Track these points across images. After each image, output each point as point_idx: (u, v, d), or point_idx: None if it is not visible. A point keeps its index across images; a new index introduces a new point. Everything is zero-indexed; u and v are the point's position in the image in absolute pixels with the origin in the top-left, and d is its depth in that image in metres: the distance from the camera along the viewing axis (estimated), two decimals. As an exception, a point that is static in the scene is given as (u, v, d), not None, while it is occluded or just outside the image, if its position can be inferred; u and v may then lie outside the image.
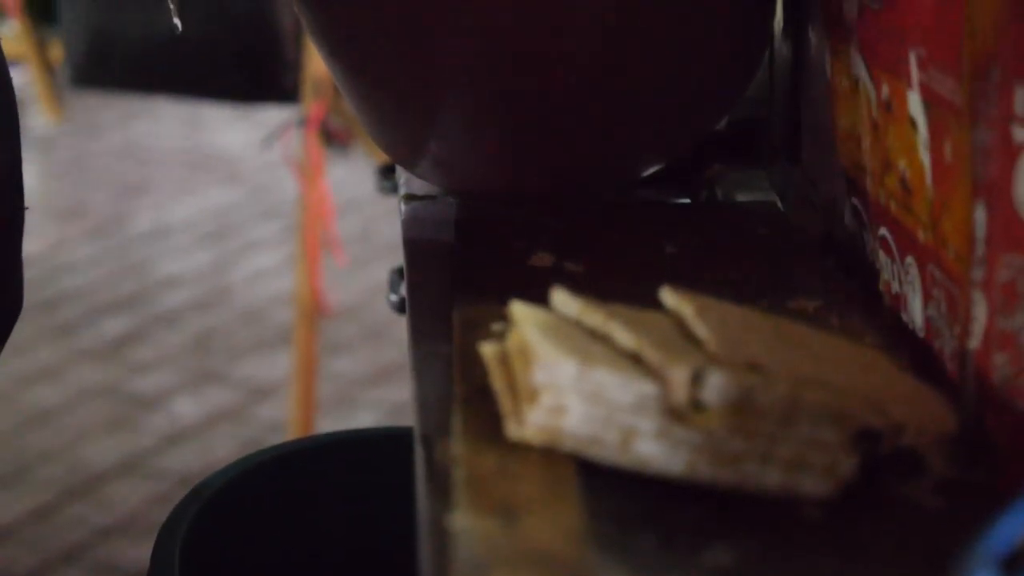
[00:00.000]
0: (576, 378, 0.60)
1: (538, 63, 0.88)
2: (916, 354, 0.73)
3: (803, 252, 0.89)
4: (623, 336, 0.63)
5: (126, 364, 2.77)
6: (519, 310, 0.66)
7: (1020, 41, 0.59)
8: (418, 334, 0.81)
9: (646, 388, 0.61)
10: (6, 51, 0.98)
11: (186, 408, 2.61)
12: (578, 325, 0.66)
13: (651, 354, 0.62)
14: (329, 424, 2.49)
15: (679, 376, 0.60)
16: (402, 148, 0.99)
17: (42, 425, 2.56)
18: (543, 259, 0.86)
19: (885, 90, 0.74)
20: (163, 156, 3.85)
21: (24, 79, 3.84)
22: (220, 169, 3.75)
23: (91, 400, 2.64)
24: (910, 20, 0.70)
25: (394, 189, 1.15)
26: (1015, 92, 0.60)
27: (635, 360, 0.62)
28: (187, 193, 3.60)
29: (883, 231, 0.78)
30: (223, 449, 2.46)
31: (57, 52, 3.72)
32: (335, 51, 0.93)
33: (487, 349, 0.67)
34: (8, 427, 2.55)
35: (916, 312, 0.74)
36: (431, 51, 0.88)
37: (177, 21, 0.96)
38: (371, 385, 2.71)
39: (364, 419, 2.58)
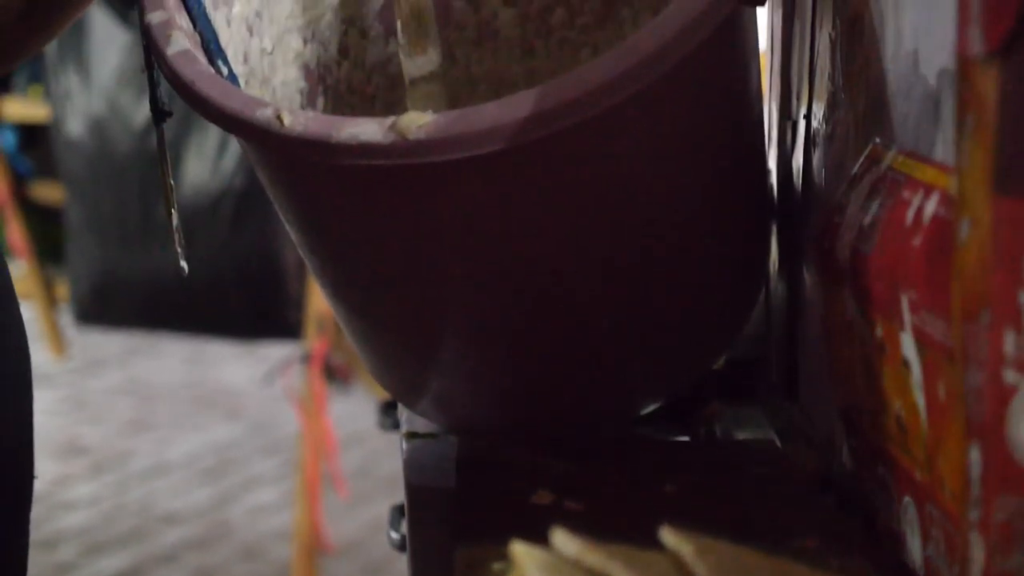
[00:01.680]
0: (577, 619, 0.60)
1: (537, 307, 0.89)
2: (916, 594, 0.73)
3: (802, 491, 0.89)
4: (623, 577, 0.63)
5: (124, 603, 2.74)
6: (520, 550, 0.66)
7: (1007, 286, 0.60)
8: (419, 573, 0.81)
9: (647, 629, 0.61)
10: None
11: (184, 648, 2.58)
12: (578, 565, 0.66)
13: (651, 595, 0.62)
14: (328, 664, 2.46)
15: (679, 617, 0.60)
16: (403, 386, 1.00)
17: (37, 666, 2.53)
18: (544, 497, 0.86)
19: (879, 331, 0.75)
20: (165, 392, 3.86)
21: (28, 316, 3.87)
22: (222, 404, 3.76)
23: (88, 640, 2.61)
24: (901, 264, 0.72)
25: (395, 425, 1.15)
26: (1004, 335, 0.61)
27: (635, 601, 0.62)
28: (188, 429, 3.60)
29: (881, 470, 0.79)
30: None
31: (62, 290, 3.76)
32: (337, 291, 0.95)
33: (488, 590, 0.67)
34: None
35: (915, 551, 0.74)
36: (432, 296, 0.89)
37: (184, 264, 0.97)
38: (371, 623, 2.68)
39: (363, 659, 2.55)
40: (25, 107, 3.97)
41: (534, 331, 0.90)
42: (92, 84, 3.47)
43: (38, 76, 3.87)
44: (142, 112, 3.30)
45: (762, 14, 1.00)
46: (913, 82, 0.75)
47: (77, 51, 3.52)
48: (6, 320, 0.98)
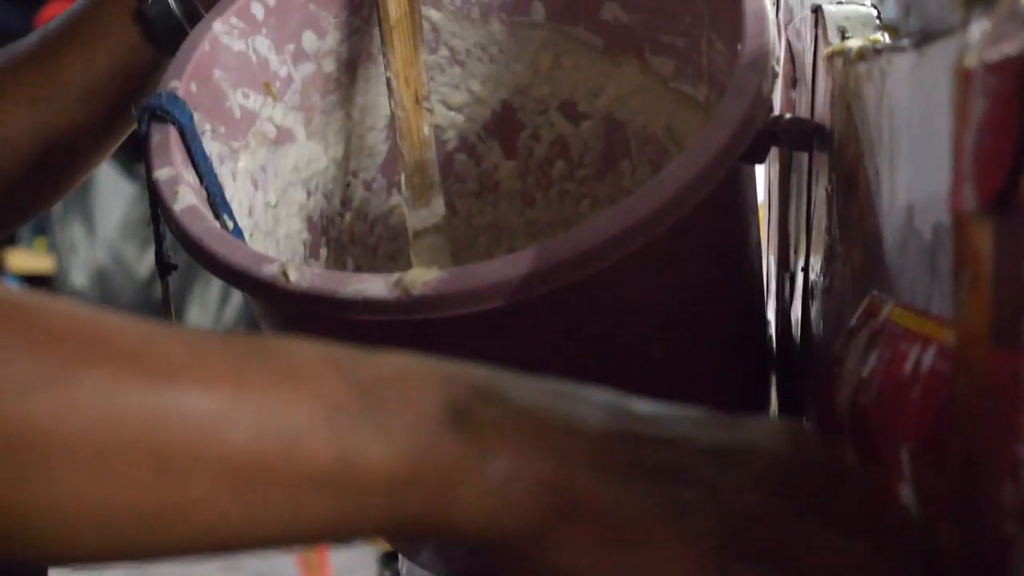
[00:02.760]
0: None
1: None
2: None
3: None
4: None
5: None
6: None
7: (1006, 438, 0.61)
8: None
9: None
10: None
11: None
12: None
13: None
14: None
15: None
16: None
17: None
18: (546, 651, 0.86)
19: (878, 482, 0.75)
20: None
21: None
22: (221, 555, 3.73)
23: None
24: (899, 416, 0.72)
25: (396, 578, 1.15)
26: (1003, 487, 0.61)
27: None
28: (187, 581, 3.57)
29: (883, 622, 0.79)
30: None
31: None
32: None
33: None
34: None
35: None
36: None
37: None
38: None
39: None
40: (30, 259, 4.00)
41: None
42: (96, 235, 3.50)
43: (43, 228, 3.90)
44: (146, 263, 3.33)
45: (760, 169, 1.02)
46: (909, 236, 0.76)
47: (82, 203, 3.56)
48: None
